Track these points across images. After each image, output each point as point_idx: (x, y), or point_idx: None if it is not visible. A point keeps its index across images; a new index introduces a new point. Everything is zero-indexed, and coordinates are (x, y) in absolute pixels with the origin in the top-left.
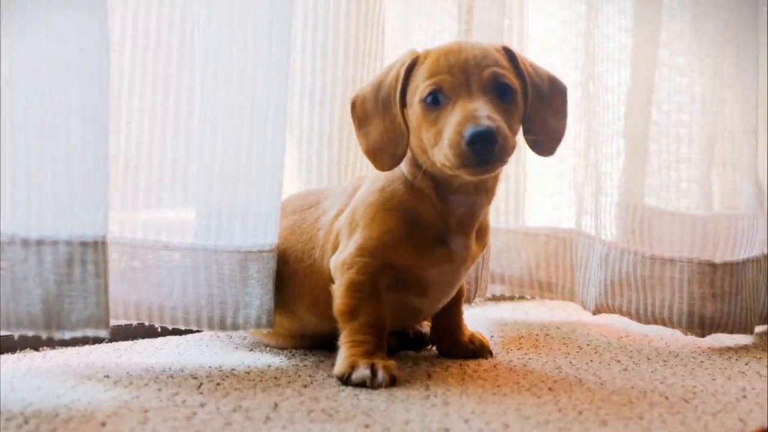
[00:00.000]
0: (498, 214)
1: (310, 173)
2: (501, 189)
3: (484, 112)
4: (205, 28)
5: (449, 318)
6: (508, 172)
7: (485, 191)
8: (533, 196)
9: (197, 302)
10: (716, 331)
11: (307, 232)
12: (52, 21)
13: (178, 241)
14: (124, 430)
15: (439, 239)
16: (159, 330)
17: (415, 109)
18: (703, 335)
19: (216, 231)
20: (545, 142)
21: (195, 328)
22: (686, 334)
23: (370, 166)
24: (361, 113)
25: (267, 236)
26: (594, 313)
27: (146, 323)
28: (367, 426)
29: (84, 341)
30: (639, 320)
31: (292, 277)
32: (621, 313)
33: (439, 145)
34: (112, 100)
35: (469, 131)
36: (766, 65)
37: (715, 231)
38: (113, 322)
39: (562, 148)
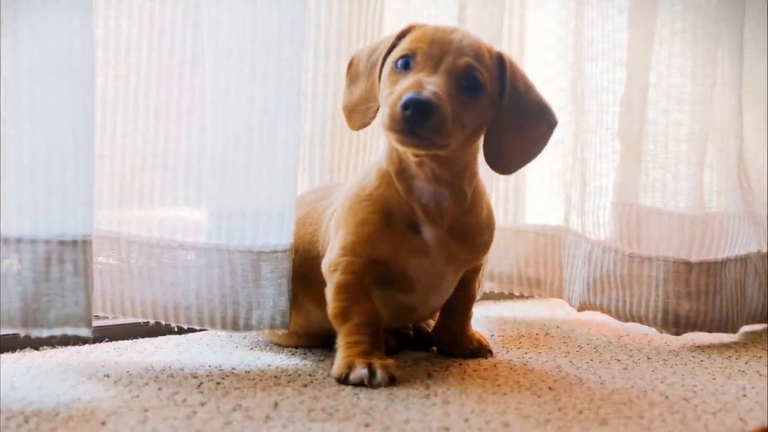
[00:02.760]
0: (497, 212)
1: (303, 173)
2: (500, 187)
3: (432, 87)
4: (217, 28)
5: (455, 319)
6: None
7: (445, 183)
8: (523, 195)
9: (210, 302)
10: (692, 330)
11: (314, 225)
12: (40, 20)
13: (193, 241)
14: (124, 430)
15: (410, 228)
16: (159, 329)
17: (385, 69)
18: (678, 333)
19: (228, 231)
20: (503, 160)
21: (209, 328)
22: (661, 332)
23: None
24: (354, 72)
25: (280, 236)
26: (578, 310)
27: (162, 322)
28: (367, 425)
29: (84, 340)
30: (618, 318)
31: (300, 268)
32: (602, 310)
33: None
34: (128, 99)
35: (406, 96)
36: (766, 66)
37: (692, 230)
38: (130, 320)
39: (554, 148)
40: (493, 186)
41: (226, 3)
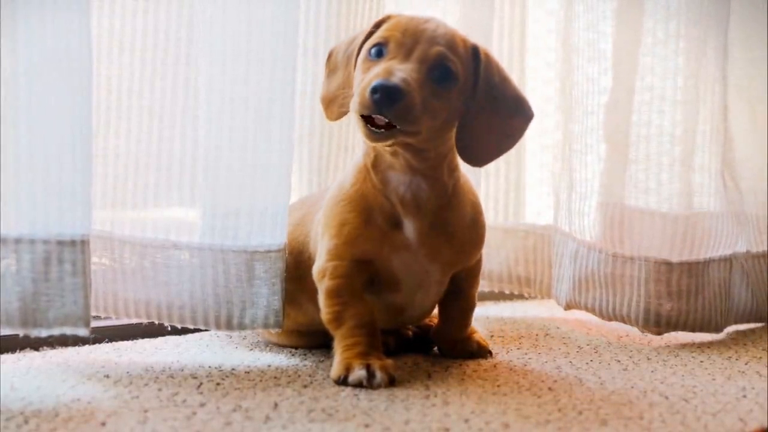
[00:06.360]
0: (487, 210)
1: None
2: (491, 186)
3: (401, 74)
4: (211, 28)
5: (454, 327)
6: (497, 167)
7: (422, 174)
8: (514, 194)
9: (204, 301)
10: (674, 330)
11: (307, 226)
12: (38, 20)
13: (187, 240)
14: (124, 430)
15: (391, 223)
16: (159, 329)
17: (360, 57)
18: (659, 333)
19: (222, 231)
20: (474, 151)
21: (203, 328)
22: (643, 332)
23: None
24: (332, 64)
25: (274, 236)
26: (565, 309)
27: (156, 322)
28: (367, 426)
29: (84, 341)
30: (602, 317)
31: (295, 269)
32: (587, 309)
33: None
34: (122, 99)
35: (376, 81)
36: (766, 67)
37: (675, 230)
38: (130, 321)
39: (551, 149)
40: (482, 183)
41: (221, 3)
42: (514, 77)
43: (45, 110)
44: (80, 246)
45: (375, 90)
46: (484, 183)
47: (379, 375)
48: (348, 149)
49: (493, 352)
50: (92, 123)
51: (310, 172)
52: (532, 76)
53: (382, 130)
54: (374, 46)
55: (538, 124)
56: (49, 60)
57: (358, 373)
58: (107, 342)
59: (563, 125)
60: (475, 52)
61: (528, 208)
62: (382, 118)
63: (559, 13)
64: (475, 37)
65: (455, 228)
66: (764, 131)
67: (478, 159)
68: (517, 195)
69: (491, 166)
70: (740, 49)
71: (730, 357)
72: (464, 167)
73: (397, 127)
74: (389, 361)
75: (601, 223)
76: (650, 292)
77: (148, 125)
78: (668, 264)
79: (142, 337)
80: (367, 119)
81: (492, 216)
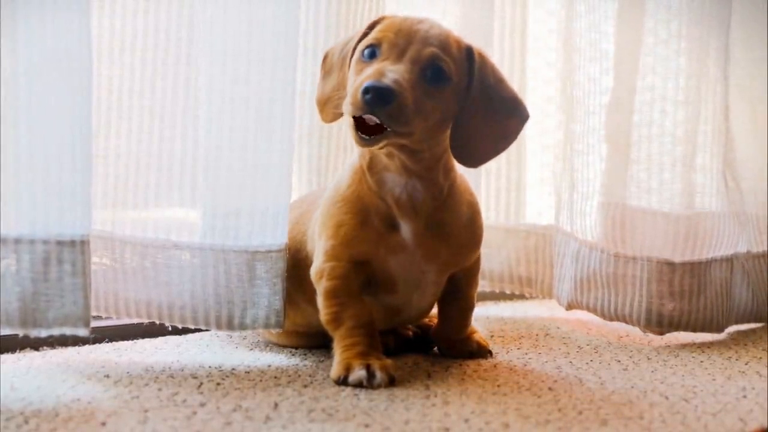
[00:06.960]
0: (488, 210)
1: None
2: (491, 186)
3: (393, 75)
4: (211, 27)
5: (453, 327)
6: (498, 167)
7: (417, 176)
8: (515, 194)
9: (205, 301)
10: (676, 330)
11: (305, 225)
12: (38, 20)
13: (188, 241)
14: (124, 430)
15: (387, 225)
16: (159, 329)
17: (354, 59)
18: (661, 333)
19: (223, 231)
20: (468, 152)
21: (204, 328)
22: (645, 332)
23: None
24: (328, 66)
25: (275, 236)
26: (567, 309)
27: (156, 322)
28: (367, 426)
29: (84, 341)
30: (603, 317)
31: (292, 268)
32: (588, 309)
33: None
34: (122, 99)
35: (367, 82)
36: (765, 67)
37: (677, 230)
38: (126, 321)
39: (552, 148)
40: (482, 183)
41: (221, 3)
42: (515, 77)
43: (45, 110)
44: (80, 246)
45: (366, 91)
46: (484, 182)
47: (379, 375)
48: (347, 149)
49: (494, 352)
50: (92, 123)
51: (310, 172)
52: (533, 76)
53: (373, 135)
54: (367, 47)
55: (540, 123)
56: (49, 60)
57: (358, 373)
58: (107, 342)
59: (564, 125)
60: (469, 52)
61: (529, 207)
62: (374, 118)
63: (560, 13)
64: (475, 38)
65: (452, 229)
66: (765, 131)
67: (473, 160)
68: (518, 195)
69: (492, 166)
70: (742, 49)
71: (730, 357)
72: (463, 167)
73: (389, 129)
74: (389, 361)
75: (602, 223)
76: (652, 292)
77: (149, 125)
78: (670, 264)
79: (143, 337)
80: (359, 120)
81: (493, 216)
